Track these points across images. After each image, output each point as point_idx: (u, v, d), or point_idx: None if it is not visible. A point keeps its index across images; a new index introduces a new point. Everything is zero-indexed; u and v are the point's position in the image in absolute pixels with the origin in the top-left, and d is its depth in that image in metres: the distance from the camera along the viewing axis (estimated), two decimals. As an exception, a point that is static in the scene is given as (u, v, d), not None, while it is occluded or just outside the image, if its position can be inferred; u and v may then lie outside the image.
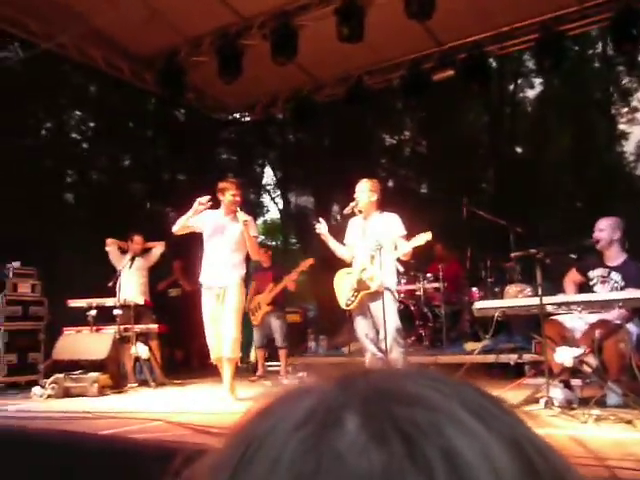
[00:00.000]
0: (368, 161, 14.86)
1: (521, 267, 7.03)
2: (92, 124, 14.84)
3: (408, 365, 0.38)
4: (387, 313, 4.38)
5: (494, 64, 13.91)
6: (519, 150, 17.87)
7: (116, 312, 6.28)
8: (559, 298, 3.98)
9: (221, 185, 5.05)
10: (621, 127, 17.99)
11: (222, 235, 4.98)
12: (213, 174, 10.65)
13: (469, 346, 6.52)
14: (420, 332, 7.41)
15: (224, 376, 4.89)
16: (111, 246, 6.96)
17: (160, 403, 5.06)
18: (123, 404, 4.95)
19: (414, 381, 0.34)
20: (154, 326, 6.66)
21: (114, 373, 6.10)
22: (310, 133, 15.11)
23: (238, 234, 4.97)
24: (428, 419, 0.31)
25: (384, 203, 4.83)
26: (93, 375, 5.72)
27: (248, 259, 5.31)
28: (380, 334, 4.46)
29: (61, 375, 5.67)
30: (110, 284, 6.56)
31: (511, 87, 17.24)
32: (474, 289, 7.84)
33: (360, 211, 4.74)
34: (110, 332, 6.26)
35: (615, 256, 4.15)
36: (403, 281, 7.56)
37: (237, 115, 10.41)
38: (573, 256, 4.97)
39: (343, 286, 4.73)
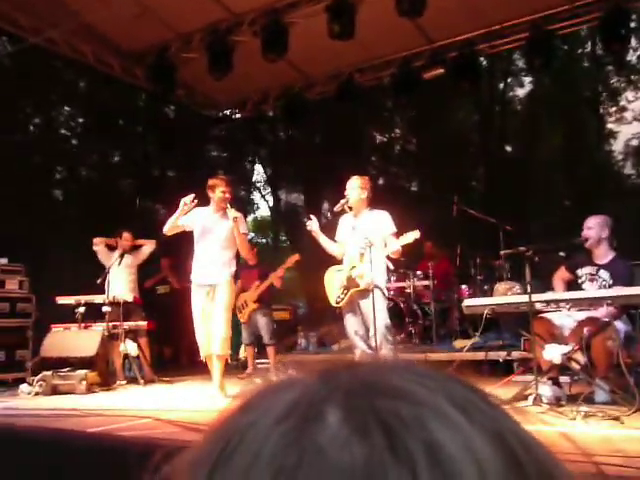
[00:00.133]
0: (358, 159, 14.89)
1: (510, 265, 7.06)
2: (81, 120, 14.75)
3: (393, 359, 0.38)
4: (377, 310, 4.39)
5: (484, 63, 13.96)
6: (509, 148, 17.97)
7: (105, 309, 6.24)
8: (548, 296, 4.00)
9: (211, 182, 5.03)
10: (609, 126, 18.15)
11: (212, 232, 4.97)
12: (203, 171, 10.62)
13: (458, 343, 6.55)
14: (410, 329, 7.43)
15: (214, 374, 4.88)
16: (99, 245, 6.92)
17: (149, 400, 5.04)
18: (112, 401, 4.93)
19: (399, 375, 0.34)
20: (143, 323, 6.63)
21: (103, 370, 6.07)
22: (301, 130, 15.10)
23: (228, 231, 4.95)
24: (411, 412, 0.30)
25: (374, 201, 4.83)
26: (81, 372, 5.68)
27: (238, 256, 5.29)
28: (370, 331, 4.47)
29: (49, 372, 5.63)
30: (99, 281, 6.51)
31: (501, 86, 17.32)
32: (464, 287, 7.87)
33: (350, 208, 4.74)
34: (99, 329, 6.22)
35: (603, 254, 4.18)
36: (393, 278, 7.58)
37: (227, 112, 10.36)
38: (562, 254, 5.00)
39: (333, 283, 4.73)
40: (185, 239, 5.18)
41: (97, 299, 6.38)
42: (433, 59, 7.79)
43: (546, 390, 3.84)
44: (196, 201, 4.86)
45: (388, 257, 4.67)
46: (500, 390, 4.19)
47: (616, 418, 3.23)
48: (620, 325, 3.85)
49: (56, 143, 14.01)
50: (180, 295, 7.74)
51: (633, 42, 14.20)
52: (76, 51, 7.78)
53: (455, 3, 6.74)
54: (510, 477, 0.30)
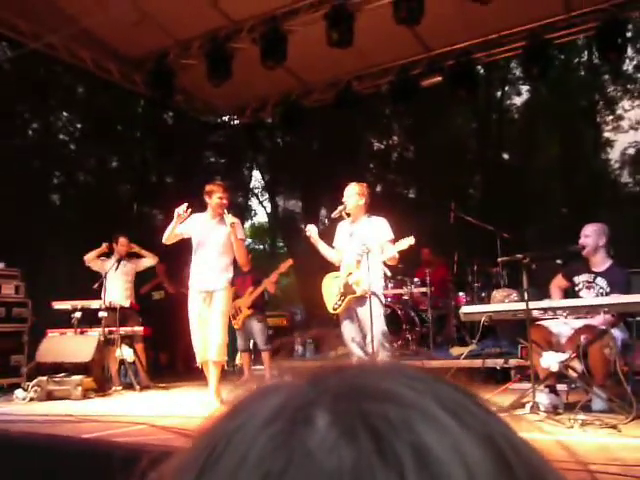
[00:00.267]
0: (356, 166, 14.91)
1: (507, 272, 7.07)
2: (80, 125, 14.76)
3: (382, 362, 0.38)
4: (374, 317, 4.38)
5: (482, 71, 14.02)
6: (506, 156, 18.02)
7: (101, 314, 6.22)
8: (545, 303, 4.00)
9: (208, 188, 5.02)
10: (606, 135, 18.23)
11: (209, 238, 4.96)
12: (201, 177, 10.63)
13: (455, 351, 6.54)
14: (407, 336, 7.42)
15: (210, 380, 4.86)
16: (91, 262, 6.85)
17: (144, 407, 5.02)
18: (107, 407, 4.90)
19: (387, 378, 0.34)
20: (139, 328, 6.61)
21: (98, 376, 6.03)
22: (299, 137, 15.13)
23: (225, 237, 4.95)
24: (399, 415, 0.30)
25: (372, 207, 4.84)
26: (77, 378, 5.65)
27: (236, 262, 5.28)
28: (367, 338, 4.46)
29: (44, 378, 5.61)
30: (95, 286, 6.51)
31: (499, 94, 17.39)
32: (461, 294, 7.87)
33: (348, 215, 4.74)
34: (95, 335, 6.20)
35: (600, 262, 4.19)
36: (390, 285, 7.57)
37: (226, 118, 10.38)
38: (559, 262, 5.01)
39: (331, 290, 4.73)
40: (180, 245, 5.17)
41: (93, 304, 6.36)
42: (431, 67, 7.82)
43: (543, 398, 3.84)
44: (190, 210, 4.85)
45: (385, 264, 4.67)
46: (497, 398, 4.18)
47: (613, 426, 3.23)
48: (617, 333, 3.86)
49: (54, 148, 14.02)
50: (175, 301, 7.73)
51: (629, 51, 14.31)
52: (75, 56, 7.80)
53: (453, 12, 6.78)
54: None
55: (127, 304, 6.65)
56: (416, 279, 7.86)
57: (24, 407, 5.13)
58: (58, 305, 6.50)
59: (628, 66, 16.51)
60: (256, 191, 19.81)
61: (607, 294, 4.01)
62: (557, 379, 4.01)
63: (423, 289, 7.66)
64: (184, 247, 5.11)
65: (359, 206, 4.71)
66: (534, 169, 17.34)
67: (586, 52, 16.59)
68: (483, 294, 7.39)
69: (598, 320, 3.84)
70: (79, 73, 10.42)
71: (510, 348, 5.86)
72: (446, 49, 7.64)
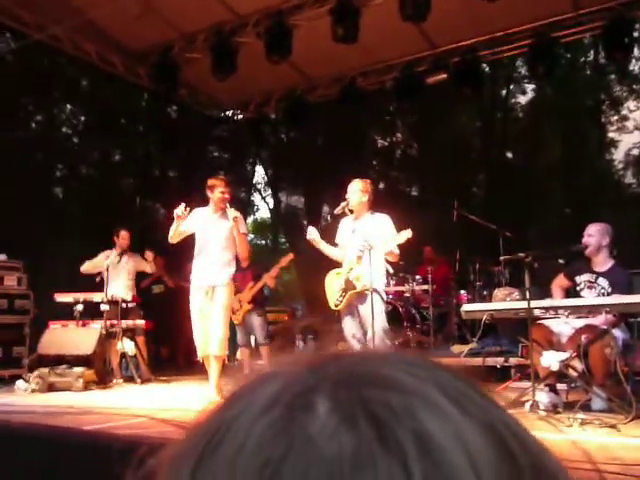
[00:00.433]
0: (360, 162, 14.90)
1: (509, 271, 7.06)
2: (83, 118, 14.76)
3: (383, 348, 0.37)
4: (375, 314, 4.38)
5: (487, 69, 13.98)
6: (510, 155, 17.99)
7: (103, 307, 6.24)
8: (547, 302, 4.00)
9: (210, 182, 5.02)
10: (611, 135, 18.19)
11: (211, 233, 4.96)
12: (204, 171, 10.63)
13: (456, 348, 6.54)
14: (408, 334, 7.42)
15: (211, 374, 4.87)
16: (89, 270, 6.83)
17: (145, 400, 5.03)
18: (108, 400, 4.92)
19: (389, 364, 0.33)
20: (141, 322, 6.62)
21: (99, 369, 6.05)
22: (302, 133, 15.11)
23: (227, 231, 4.95)
24: (401, 402, 0.30)
25: (375, 204, 4.83)
26: (78, 370, 5.67)
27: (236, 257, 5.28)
28: (368, 334, 4.46)
29: (46, 370, 5.62)
30: (97, 279, 6.52)
31: (503, 92, 17.35)
32: (462, 292, 7.87)
33: (351, 211, 4.74)
34: (96, 327, 6.22)
35: (603, 262, 4.18)
36: (392, 282, 7.57)
37: (230, 113, 10.37)
38: (561, 261, 5.00)
39: (333, 287, 4.72)
40: (182, 239, 5.17)
41: (95, 297, 6.37)
42: (436, 64, 7.80)
43: (543, 397, 3.83)
44: (188, 209, 4.84)
45: (387, 261, 4.67)
46: (497, 396, 4.18)
47: (613, 426, 3.23)
48: (618, 333, 3.85)
49: (57, 141, 14.03)
50: (175, 295, 7.75)
51: (636, 51, 14.24)
52: (79, 49, 7.78)
53: (459, 9, 6.75)
54: (502, 468, 0.29)
55: (129, 297, 6.66)
56: (418, 277, 7.85)
57: (25, 398, 5.15)
58: (60, 297, 6.51)
59: (634, 66, 16.48)
60: (259, 186, 19.83)
61: (608, 294, 4.00)
62: (557, 378, 4.01)
63: (425, 287, 7.66)
64: (185, 241, 5.11)
65: (362, 203, 4.70)
66: (538, 168, 17.31)
67: (592, 51, 16.54)
68: (485, 292, 7.39)
69: (599, 320, 3.84)
70: (83, 65, 10.41)
71: (511, 347, 5.85)
72: (452, 46, 7.60)
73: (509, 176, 15.76)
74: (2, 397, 5.19)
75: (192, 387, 5.87)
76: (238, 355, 7.54)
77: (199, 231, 4.99)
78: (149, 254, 6.85)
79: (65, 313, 6.43)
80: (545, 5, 6.84)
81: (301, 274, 14.54)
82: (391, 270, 4.94)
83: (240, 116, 10.23)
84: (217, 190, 4.95)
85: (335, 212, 4.84)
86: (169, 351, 8.85)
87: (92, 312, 6.39)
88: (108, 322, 6.23)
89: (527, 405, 3.71)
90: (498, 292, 6.37)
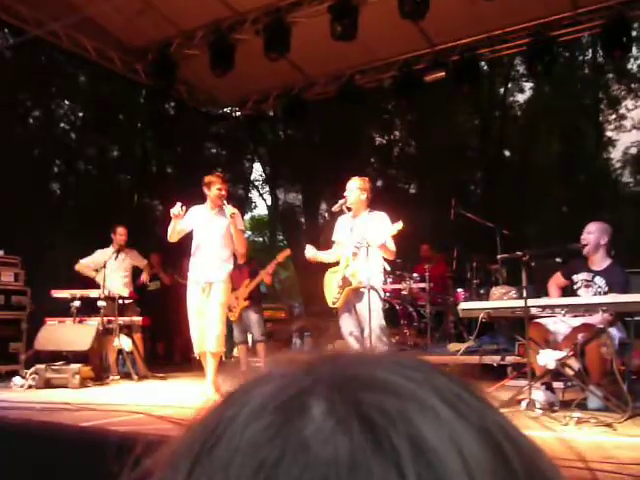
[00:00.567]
0: (358, 160, 14.88)
1: (507, 269, 7.07)
2: (81, 114, 14.72)
3: (379, 349, 0.37)
4: (372, 311, 4.38)
5: (485, 67, 13.98)
6: (508, 153, 17.99)
7: (100, 304, 6.22)
8: (544, 301, 4.01)
9: (207, 179, 5.01)
10: (609, 134, 18.20)
11: (209, 230, 4.96)
12: (201, 168, 10.60)
13: (453, 347, 6.54)
14: (405, 331, 7.43)
15: (207, 370, 4.87)
16: (85, 271, 6.84)
17: (142, 396, 5.02)
18: (105, 396, 4.91)
19: (384, 367, 0.33)
20: (138, 318, 6.61)
21: (96, 365, 6.04)
22: (300, 130, 15.10)
23: (224, 228, 4.95)
24: (396, 406, 0.30)
25: (372, 202, 4.83)
26: (75, 366, 5.66)
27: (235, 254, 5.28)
28: (365, 332, 4.47)
29: (42, 366, 5.61)
30: (94, 275, 6.51)
31: (501, 91, 17.35)
32: (459, 290, 7.87)
33: (349, 209, 4.73)
34: (93, 324, 6.20)
35: (600, 261, 4.18)
36: (389, 280, 7.57)
37: (228, 110, 10.35)
38: (559, 260, 5.01)
39: (332, 285, 4.73)
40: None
41: (92, 293, 6.36)
42: (434, 62, 7.80)
43: (539, 395, 3.84)
44: (184, 208, 4.83)
45: (384, 259, 4.67)
46: (493, 394, 4.18)
47: (609, 425, 3.24)
48: (614, 332, 3.86)
49: (55, 137, 13.99)
50: (171, 291, 7.74)
51: (634, 50, 14.26)
52: (77, 45, 7.76)
53: (458, 7, 6.75)
54: (497, 472, 0.29)
55: (126, 293, 6.65)
56: (415, 275, 7.86)
57: (22, 394, 5.14)
58: (57, 294, 6.50)
59: (632, 65, 16.50)
60: (256, 183, 19.80)
61: (605, 293, 4.01)
62: (553, 377, 4.02)
63: (422, 285, 7.66)
64: (183, 238, 5.10)
65: (361, 201, 4.70)
66: (535, 167, 17.32)
67: (590, 50, 16.55)
68: (482, 291, 7.39)
69: (596, 319, 3.85)
70: (81, 62, 10.39)
71: (507, 345, 5.86)
72: (450, 44, 7.61)
73: (507, 174, 15.78)
74: (-2, 393, 5.18)
75: (189, 384, 5.87)
76: (235, 352, 7.55)
77: (197, 228, 4.98)
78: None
79: (62, 309, 6.41)
80: (544, 4, 6.84)
81: (298, 272, 14.54)
82: (389, 268, 4.94)
83: (238, 113, 10.21)
84: (214, 187, 4.95)
85: (333, 210, 4.84)
86: (166, 348, 8.85)
87: (89, 308, 6.37)
88: (105, 318, 6.22)
89: (523, 403, 3.72)
90: (495, 290, 6.36)
